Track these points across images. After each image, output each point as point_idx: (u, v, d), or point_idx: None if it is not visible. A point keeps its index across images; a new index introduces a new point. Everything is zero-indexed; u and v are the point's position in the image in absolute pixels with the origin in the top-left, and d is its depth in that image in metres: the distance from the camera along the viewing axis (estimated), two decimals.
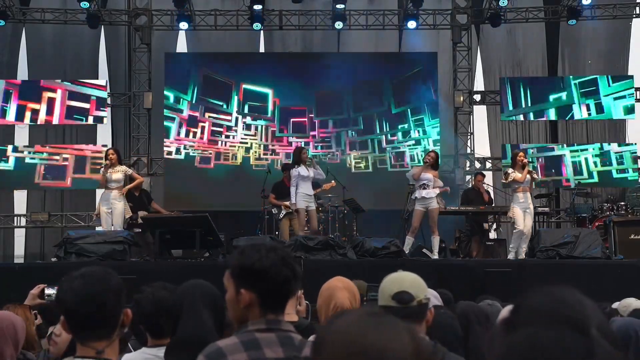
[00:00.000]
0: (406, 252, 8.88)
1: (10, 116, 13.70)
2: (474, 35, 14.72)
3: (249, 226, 11.18)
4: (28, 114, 13.69)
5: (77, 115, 13.80)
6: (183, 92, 14.04)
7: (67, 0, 14.48)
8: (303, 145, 12.29)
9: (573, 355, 0.95)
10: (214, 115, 14.05)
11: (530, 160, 10.03)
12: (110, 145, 13.32)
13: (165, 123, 13.96)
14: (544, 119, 14.31)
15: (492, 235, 11.03)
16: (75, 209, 14.41)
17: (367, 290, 3.31)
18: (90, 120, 13.91)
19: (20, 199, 14.76)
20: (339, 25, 13.89)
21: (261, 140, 14.04)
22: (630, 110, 13.90)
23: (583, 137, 14.76)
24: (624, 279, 7.81)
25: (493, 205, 11.36)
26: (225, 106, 14.07)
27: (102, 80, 14.30)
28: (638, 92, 14.39)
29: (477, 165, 14.52)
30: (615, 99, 13.89)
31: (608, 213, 11.09)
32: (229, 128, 14.04)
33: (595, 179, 13.71)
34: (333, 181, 10.18)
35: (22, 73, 14.70)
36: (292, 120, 14.11)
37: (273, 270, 1.89)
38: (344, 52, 14.57)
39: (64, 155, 13.61)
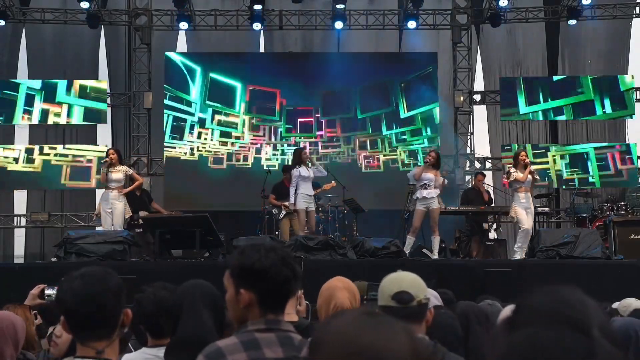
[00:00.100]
0: (407, 252, 8.90)
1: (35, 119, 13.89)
2: (474, 35, 14.72)
3: (249, 226, 11.18)
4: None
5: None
6: (189, 94, 14.06)
7: (67, 0, 14.48)
8: (302, 146, 12.33)
9: (573, 356, 0.95)
10: (223, 117, 14.07)
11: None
12: (110, 145, 13.36)
13: (177, 123, 13.96)
14: (563, 116, 14.22)
15: (492, 235, 11.03)
16: (75, 209, 14.41)
17: (368, 290, 3.31)
18: (108, 121, 14.14)
19: (20, 199, 14.76)
20: (339, 25, 13.90)
21: (270, 140, 14.07)
22: None
23: (583, 137, 14.76)
24: (624, 279, 7.81)
25: (493, 205, 11.36)
26: (232, 107, 14.10)
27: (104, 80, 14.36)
28: (638, 92, 14.40)
29: (477, 165, 14.52)
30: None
31: (608, 213, 11.09)
32: (237, 129, 14.06)
33: (624, 177, 13.66)
34: (333, 181, 10.18)
35: (22, 73, 14.69)
36: (299, 120, 14.13)
37: (273, 270, 1.89)
38: (348, 52, 14.55)
39: (88, 157, 13.64)
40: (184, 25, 13.98)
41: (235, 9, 14.45)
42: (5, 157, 13.69)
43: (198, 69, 14.14)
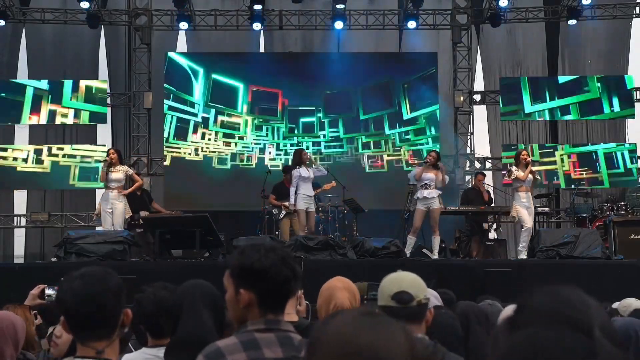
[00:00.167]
0: (408, 252, 8.94)
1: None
2: (474, 35, 14.72)
3: (249, 226, 11.18)
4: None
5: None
6: (192, 95, 14.09)
7: (67, 0, 14.48)
8: (302, 147, 12.35)
9: (573, 356, 0.95)
10: (226, 118, 14.09)
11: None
12: (110, 145, 13.37)
13: (180, 124, 13.99)
14: (569, 116, 14.20)
15: (492, 235, 11.02)
16: (75, 209, 14.41)
17: (368, 290, 3.31)
18: (109, 121, 14.21)
19: (20, 199, 14.76)
20: (339, 25, 13.90)
21: (273, 139, 14.07)
22: None
23: (583, 137, 14.76)
24: (624, 279, 7.81)
25: (493, 205, 11.36)
26: (235, 108, 14.11)
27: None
28: (638, 92, 14.40)
29: (477, 165, 14.52)
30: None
31: (608, 213, 11.09)
32: (240, 130, 14.07)
33: (635, 176, 13.65)
34: (333, 181, 10.19)
35: (22, 73, 14.69)
36: (301, 120, 14.14)
37: (273, 270, 1.89)
38: (349, 52, 14.55)
39: (96, 158, 13.63)
40: (184, 25, 13.98)
41: (235, 9, 14.45)
42: (14, 159, 13.72)
43: (201, 70, 14.15)
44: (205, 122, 14.05)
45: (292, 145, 13.86)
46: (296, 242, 8.36)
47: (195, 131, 14.01)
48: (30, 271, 8.09)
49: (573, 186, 13.42)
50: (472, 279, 7.75)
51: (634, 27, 14.83)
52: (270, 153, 14.01)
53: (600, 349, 0.95)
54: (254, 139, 14.06)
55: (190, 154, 13.95)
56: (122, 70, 14.86)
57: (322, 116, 14.10)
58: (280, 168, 11.56)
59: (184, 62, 14.28)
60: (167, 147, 13.98)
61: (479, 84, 14.90)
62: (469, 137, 14.42)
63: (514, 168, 9.09)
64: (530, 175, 9.02)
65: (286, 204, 9.59)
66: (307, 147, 13.58)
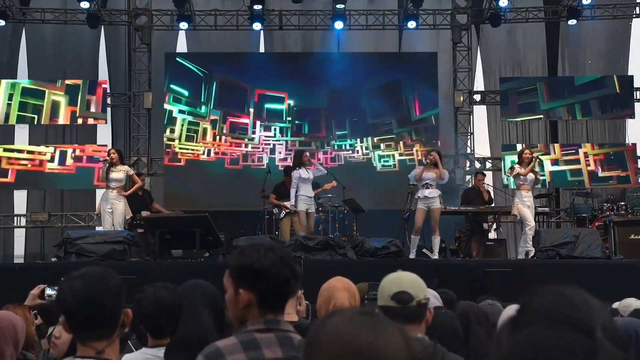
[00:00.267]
0: (414, 251, 9.01)
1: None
2: (474, 35, 14.72)
3: (249, 226, 11.18)
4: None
5: None
6: (201, 97, 14.13)
7: (67, 0, 14.48)
8: (303, 148, 12.38)
9: (573, 356, 0.94)
10: (234, 119, 14.12)
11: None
12: (110, 145, 13.38)
13: (191, 126, 14.05)
14: (590, 116, 14.17)
15: (492, 235, 11.03)
16: (75, 209, 14.41)
17: (368, 289, 3.31)
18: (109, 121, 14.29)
19: (20, 199, 14.76)
20: (339, 25, 13.89)
21: (281, 137, 14.13)
22: None
23: (583, 137, 14.76)
24: (624, 279, 7.81)
25: (493, 205, 11.35)
26: (243, 110, 14.15)
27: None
28: (638, 92, 14.40)
29: (477, 165, 14.52)
30: None
31: (608, 213, 11.08)
32: (248, 132, 14.12)
33: None
34: (334, 181, 10.20)
35: (22, 73, 14.70)
36: (308, 120, 14.17)
37: (272, 270, 1.89)
38: (353, 52, 14.54)
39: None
40: (184, 25, 13.98)
41: (235, 9, 14.44)
42: (40, 162, 13.73)
43: (208, 73, 14.19)
44: (214, 124, 14.10)
45: (300, 145, 13.92)
46: (296, 242, 8.36)
47: (205, 133, 14.07)
48: (30, 271, 8.09)
49: (600, 184, 13.43)
50: (472, 279, 7.75)
51: (634, 27, 14.84)
52: (280, 153, 14.05)
53: (600, 349, 0.95)
54: (263, 139, 14.10)
55: (204, 154, 14.01)
56: (122, 70, 14.86)
57: (329, 115, 14.11)
58: (266, 169, 11.60)
59: (188, 62, 14.30)
60: (180, 148, 14.01)
61: (479, 84, 14.91)
62: (469, 137, 14.42)
63: (516, 165, 9.18)
64: (531, 175, 9.06)
65: (286, 204, 9.61)
66: (316, 147, 13.75)
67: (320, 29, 14.67)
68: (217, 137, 14.10)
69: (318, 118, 14.15)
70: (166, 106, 14.06)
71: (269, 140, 14.12)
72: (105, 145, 13.63)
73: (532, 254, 8.95)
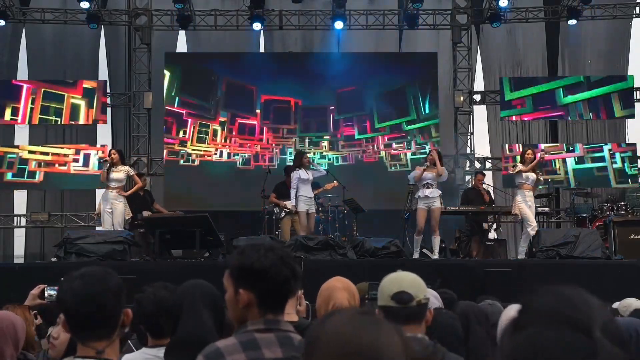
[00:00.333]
0: (417, 251, 9.03)
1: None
2: (474, 35, 14.72)
3: (249, 226, 11.18)
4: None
5: None
6: (209, 100, 14.16)
7: (67, 0, 14.48)
8: (305, 149, 12.42)
9: (573, 356, 0.94)
10: (243, 120, 14.14)
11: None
12: (110, 145, 13.38)
13: (201, 129, 14.09)
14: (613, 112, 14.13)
15: (492, 235, 11.03)
16: (75, 209, 14.41)
17: (368, 289, 3.31)
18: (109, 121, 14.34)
19: (20, 199, 14.77)
20: (339, 25, 13.89)
21: (290, 139, 14.15)
22: None
23: (583, 137, 14.75)
24: (624, 279, 7.81)
25: (493, 205, 11.35)
26: (250, 112, 14.15)
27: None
28: (638, 92, 14.40)
29: (477, 165, 14.52)
30: None
31: (608, 213, 11.08)
32: (255, 133, 14.14)
33: None
34: (335, 181, 10.20)
35: (22, 73, 14.70)
36: (314, 120, 14.20)
37: (272, 270, 1.88)
38: (355, 52, 14.53)
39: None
40: (184, 25, 13.98)
41: (235, 9, 14.44)
42: (64, 163, 13.76)
43: (216, 75, 14.19)
44: (222, 125, 14.12)
45: (309, 145, 13.94)
46: (296, 242, 8.36)
47: (215, 134, 14.08)
48: (30, 271, 8.09)
49: (628, 183, 13.46)
50: (472, 279, 7.75)
51: (634, 27, 14.84)
52: (290, 153, 14.05)
53: (600, 348, 0.95)
54: (272, 140, 14.12)
55: (216, 154, 14.04)
56: (122, 70, 14.86)
57: (336, 115, 14.12)
58: (266, 169, 11.62)
59: (194, 64, 14.36)
60: (193, 149, 14.02)
61: (479, 84, 14.91)
62: (469, 137, 14.42)
63: (518, 164, 9.20)
64: (533, 175, 9.07)
65: (286, 204, 9.62)
66: (324, 147, 13.85)
67: (320, 29, 14.66)
68: (227, 139, 14.11)
69: (325, 117, 14.15)
70: (175, 109, 14.08)
71: (277, 142, 14.13)
72: (106, 146, 13.63)
73: (521, 255, 8.98)
